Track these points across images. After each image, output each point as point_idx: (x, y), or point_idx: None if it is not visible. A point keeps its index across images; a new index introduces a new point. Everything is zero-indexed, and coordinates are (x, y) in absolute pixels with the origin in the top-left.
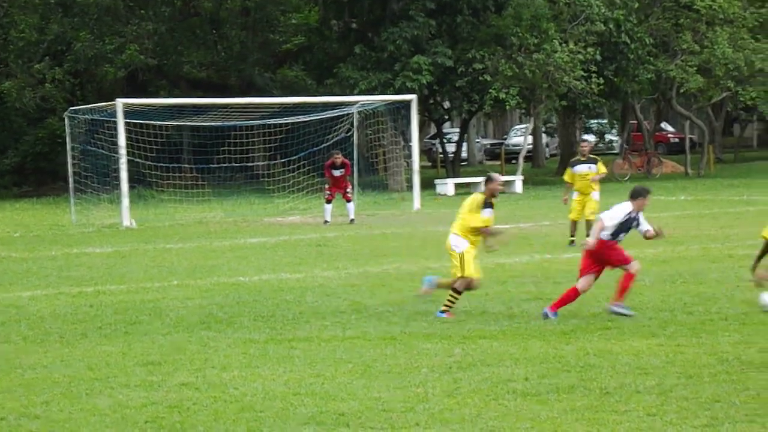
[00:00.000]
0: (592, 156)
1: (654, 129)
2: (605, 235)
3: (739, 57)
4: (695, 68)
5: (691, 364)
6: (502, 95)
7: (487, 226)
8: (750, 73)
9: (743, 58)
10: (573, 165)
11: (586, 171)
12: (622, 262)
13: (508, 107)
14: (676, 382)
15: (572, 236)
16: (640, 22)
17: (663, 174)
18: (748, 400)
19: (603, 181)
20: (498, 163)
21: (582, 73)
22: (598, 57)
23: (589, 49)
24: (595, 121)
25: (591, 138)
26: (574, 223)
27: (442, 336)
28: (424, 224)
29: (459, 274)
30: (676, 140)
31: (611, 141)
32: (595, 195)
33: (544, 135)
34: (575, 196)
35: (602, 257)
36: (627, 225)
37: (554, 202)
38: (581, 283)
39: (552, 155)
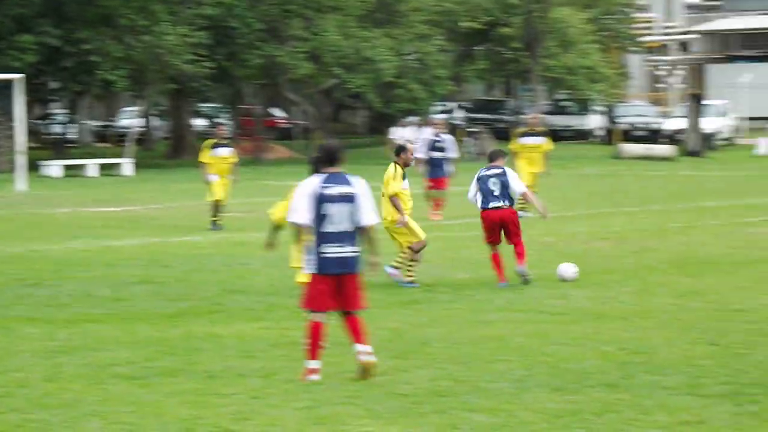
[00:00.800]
0: (226, 140)
1: (264, 114)
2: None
3: (347, 45)
4: (304, 55)
5: (295, 347)
6: (110, 77)
7: (398, 197)
8: (357, 61)
9: (351, 45)
10: (214, 147)
11: (226, 155)
12: None
13: (117, 89)
14: (280, 365)
15: (214, 217)
16: (251, 7)
17: (272, 159)
18: (346, 382)
19: None
20: (107, 145)
21: (192, 56)
22: (209, 41)
23: (200, 33)
24: (206, 105)
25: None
26: (217, 204)
27: (45, 320)
28: (30, 206)
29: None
30: (287, 126)
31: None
32: (231, 177)
33: (154, 118)
34: (217, 178)
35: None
36: None
37: (164, 184)
38: None
39: (163, 138)
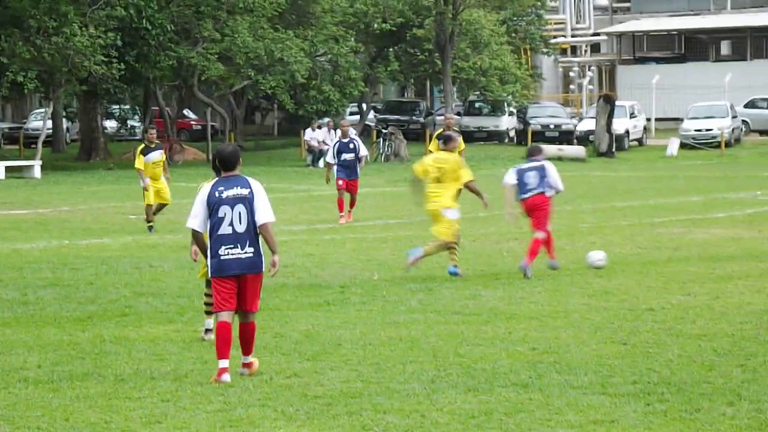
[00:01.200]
0: (159, 141)
1: (176, 116)
2: None
3: (260, 46)
4: (216, 56)
5: (207, 350)
6: (19, 78)
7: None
8: (270, 62)
9: (263, 47)
10: (145, 153)
11: (159, 158)
12: None
13: (26, 90)
14: (191, 367)
15: (149, 221)
16: (161, 9)
17: (185, 161)
18: (259, 384)
19: (131, 167)
20: (16, 147)
21: (102, 57)
22: (119, 42)
23: (110, 34)
24: (117, 106)
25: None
26: (150, 207)
27: None
28: None
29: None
30: (199, 127)
31: (134, 127)
32: (164, 178)
33: (64, 120)
34: (149, 181)
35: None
36: None
37: (74, 187)
38: None
39: (73, 140)
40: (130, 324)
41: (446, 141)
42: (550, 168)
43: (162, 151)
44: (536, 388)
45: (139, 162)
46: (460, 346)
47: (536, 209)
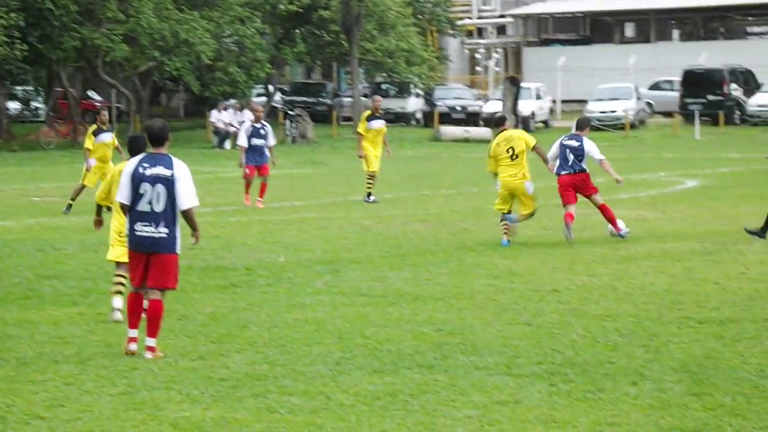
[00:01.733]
0: (106, 125)
1: (80, 97)
2: None
3: (165, 27)
4: (121, 37)
5: (111, 332)
6: None
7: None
8: (175, 43)
9: (168, 28)
10: (96, 134)
11: (109, 140)
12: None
13: None
14: (95, 350)
15: (72, 199)
16: None
17: None
18: (164, 367)
19: (35, 149)
20: None
21: (5, 38)
22: (22, 23)
23: (12, 15)
24: (21, 87)
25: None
26: (83, 189)
27: None
28: None
29: (528, 210)
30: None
31: (37, 108)
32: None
33: None
34: (94, 162)
35: None
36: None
37: None
38: None
39: None
40: (32, 307)
41: (499, 123)
42: (588, 144)
43: (113, 134)
44: (441, 369)
45: (89, 142)
46: (366, 328)
47: (580, 186)
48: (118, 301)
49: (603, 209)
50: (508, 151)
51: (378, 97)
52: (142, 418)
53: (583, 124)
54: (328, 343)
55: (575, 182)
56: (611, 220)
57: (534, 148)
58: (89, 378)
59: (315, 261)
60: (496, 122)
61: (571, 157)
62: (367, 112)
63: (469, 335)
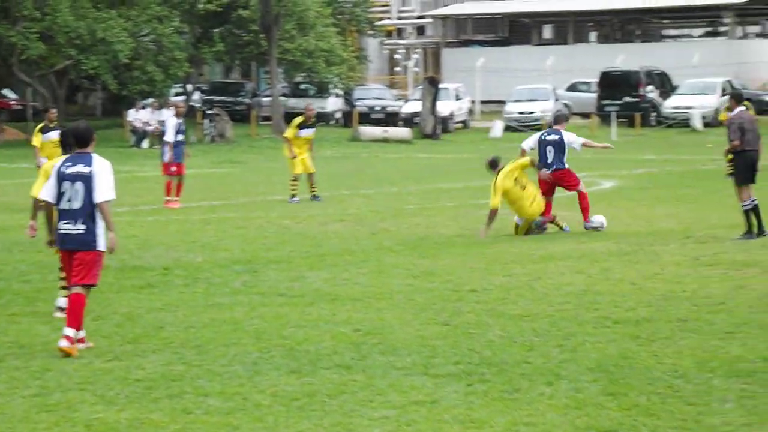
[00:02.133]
0: (54, 123)
1: None
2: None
3: (81, 25)
4: (37, 35)
5: (24, 333)
6: None
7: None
8: (92, 42)
9: (85, 26)
10: (44, 132)
11: (56, 138)
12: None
13: None
14: (7, 351)
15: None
16: None
17: (5, 141)
18: (79, 368)
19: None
20: None
21: None
22: None
23: None
24: None
25: None
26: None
27: None
28: None
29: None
30: (19, 107)
31: None
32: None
33: None
34: (45, 161)
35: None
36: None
37: None
38: None
39: None
40: None
41: (493, 165)
42: (567, 136)
43: (60, 133)
44: (359, 369)
45: (36, 140)
46: (284, 328)
47: (560, 181)
48: (62, 300)
49: (581, 197)
50: (516, 181)
51: (311, 107)
52: (55, 419)
53: (561, 119)
54: (245, 344)
55: (555, 178)
56: (584, 210)
57: (532, 162)
58: (1, 379)
59: (233, 261)
60: (490, 165)
61: (551, 154)
62: (300, 119)
63: (388, 335)
